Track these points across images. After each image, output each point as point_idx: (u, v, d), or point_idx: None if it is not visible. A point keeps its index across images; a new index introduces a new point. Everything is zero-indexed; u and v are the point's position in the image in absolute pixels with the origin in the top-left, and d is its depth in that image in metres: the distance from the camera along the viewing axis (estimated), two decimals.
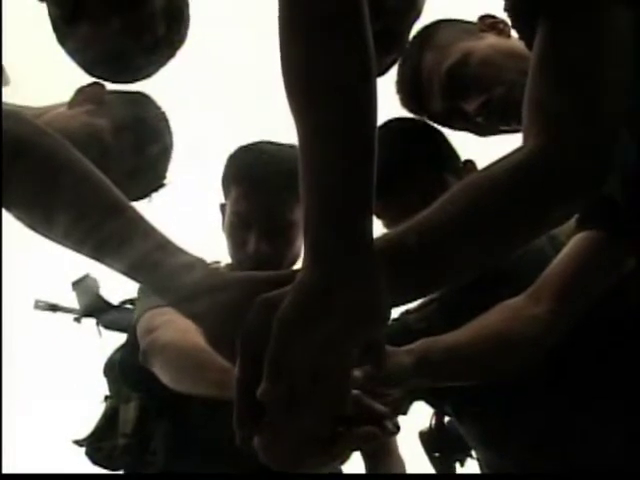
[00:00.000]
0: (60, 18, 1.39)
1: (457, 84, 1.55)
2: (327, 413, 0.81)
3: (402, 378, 1.18)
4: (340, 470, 1.72)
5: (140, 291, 1.75)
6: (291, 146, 1.81)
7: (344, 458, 0.88)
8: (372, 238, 0.83)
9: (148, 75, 1.47)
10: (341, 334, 0.79)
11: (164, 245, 0.92)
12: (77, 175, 0.95)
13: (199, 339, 1.26)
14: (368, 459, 1.92)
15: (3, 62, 1.41)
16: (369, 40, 0.84)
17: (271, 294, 0.83)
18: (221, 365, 1.17)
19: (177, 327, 1.43)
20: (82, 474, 1.72)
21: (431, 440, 2.09)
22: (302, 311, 0.79)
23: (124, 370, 1.77)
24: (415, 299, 0.88)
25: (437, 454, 2.14)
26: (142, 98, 1.59)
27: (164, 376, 1.45)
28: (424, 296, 0.89)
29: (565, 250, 1.33)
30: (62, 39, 1.41)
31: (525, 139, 0.97)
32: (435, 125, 1.64)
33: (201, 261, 0.93)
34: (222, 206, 1.82)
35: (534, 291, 1.31)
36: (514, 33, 1.54)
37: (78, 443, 2.00)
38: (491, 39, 1.59)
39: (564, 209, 0.95)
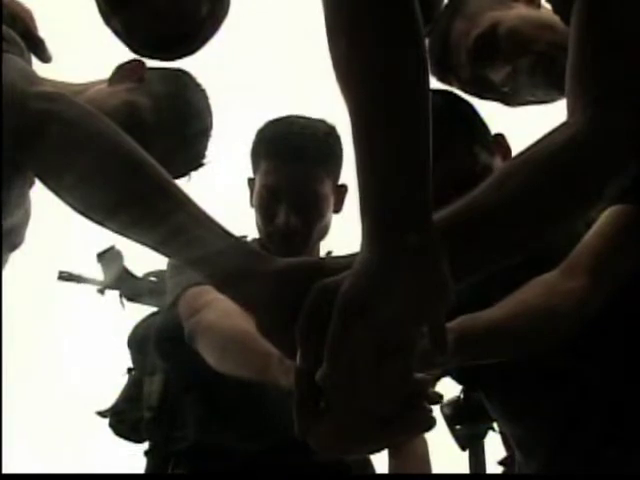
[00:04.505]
0: (104, 3, 1.38)
1: (485, 53, 1.54)
2: (390, 396, 0.80)
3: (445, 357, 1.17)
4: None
5: (171, 266, 1.73)
6: (320, 119, 1.81)
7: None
8: (431, 215, 0.82)
9: (193, 51, 1.47)
10: (404, 315, 0.78)
11: (206, 222, 0.91)
12: (107, 145, 0.95)
13: (243, 321, 1.28)
14: None
15: (45, 38, 1.41)
16: (419, 19, 0.83)
17: (330, 280, 0.81)
18: (264, 350, 1.18)
19: (221, 308, 1.43)
20: (83, 474, 1.73)
21: (453, 413, 2.09)
22: (364, 293, 0.78)
23: (160, 344, 1.77)
24: (470, 280, 0.86)
25: (459, 427, 2.15)
26: (183, 76, 1.57)
27: (208, 357, 1.46)
28: (479, 277, 0.87)
29: (598, 224, 1.31)
30: (107, 22, 1.40)
31: (571, 113, 0.96)
32: (464, 96, 1.62)
33: (245, 242, 0.92)
34: (250, 180, 1.81)
35: (568, 266, 1.30)
36: (544, 3, 1.53)
37: (101, 414, 2.02)
38: (521, 9, 1.57)
39: (620, 179, 0.94)
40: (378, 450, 0.90)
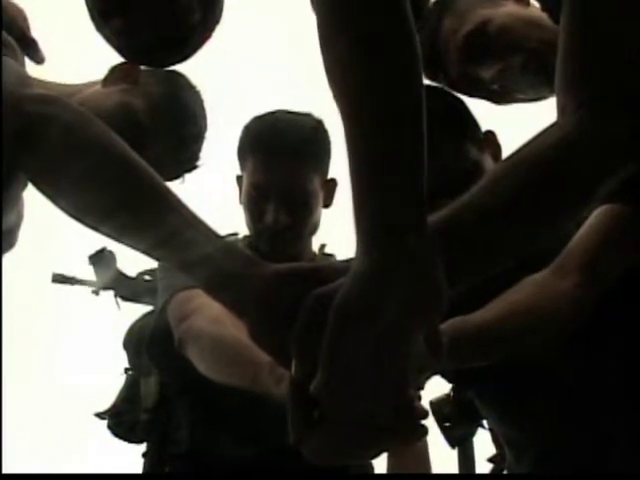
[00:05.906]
0: (95, 9, 1.39)
1: (474, 51, 1.54)
2: (385, 404, 0.78)
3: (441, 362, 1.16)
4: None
5: (162, 268, 1.73)
6: (307, 113, 1.80)
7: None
8: (426, 217, 0.81)
9: (185, 58, 1.47)
10: (399, 319, 0.76)
11: (198, 225, 0.92)
12: (100, 148, 0.96)
13: (233, 328, 1.28)
14: None
15: (38, 40, 1.41)
16: (412, 22, 0.84)
17: (326, 288, 0.80)
18: (254, 358, 1.19)
19: (211, 314, 1.43)
20: (83, 474, 1.73)
21: (442, 410, 2.09)
22: (359, 298, 0.77)
23: (151, 348, 1.76)
24: (466, 284, 0.86)
25: (448, 424, 2.15)
26: (177, 77, 1.57)
27: (199, 365, 1.45)
28: (474, 280, 0.86)
29: (588, 223, 1.31)
30: (99, 28, 1.41)
31: (561, 113, 0.96)
32: (454, 93, 1.63)
33: (238, 246, 0.92)
34: (238, 178, 1.80)
35: (559, 265, 1.29)
36: (533, 1, 1.54)
37: (100, 416, 2.02)
38: (510, 7, 1.57)
39: (613, 179, 0.93)
40: (373, 458, 0.89)
